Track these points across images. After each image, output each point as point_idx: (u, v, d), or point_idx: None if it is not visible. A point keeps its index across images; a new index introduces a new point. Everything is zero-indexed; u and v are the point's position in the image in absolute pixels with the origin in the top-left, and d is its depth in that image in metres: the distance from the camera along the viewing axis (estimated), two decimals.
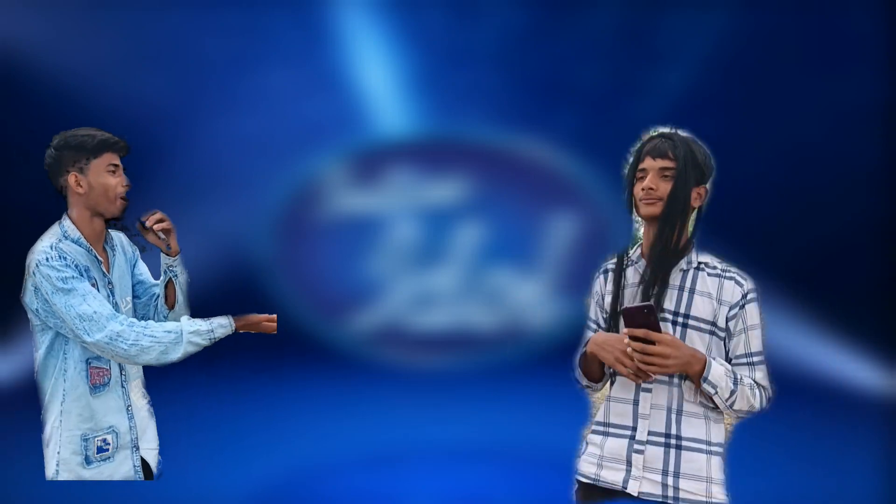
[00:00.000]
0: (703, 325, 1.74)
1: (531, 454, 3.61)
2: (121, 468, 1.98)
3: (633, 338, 1.65)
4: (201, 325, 1.93)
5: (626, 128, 4.89)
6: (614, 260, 1.92)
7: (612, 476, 1.77)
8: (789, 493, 3.05)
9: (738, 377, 1.70)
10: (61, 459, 1.92)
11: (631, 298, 1.80)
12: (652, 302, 1.70)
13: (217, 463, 3.27)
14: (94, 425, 1.94)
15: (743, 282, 1.78)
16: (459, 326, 4.89)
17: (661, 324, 1.70)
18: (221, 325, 1.96)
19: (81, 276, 1.88)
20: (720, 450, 1.76)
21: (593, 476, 1.83)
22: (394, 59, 4.80)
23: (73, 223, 1.95)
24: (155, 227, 2.01)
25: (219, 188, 4.67)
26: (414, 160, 4.93)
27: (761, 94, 4.39)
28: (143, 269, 2.18)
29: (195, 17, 4.41)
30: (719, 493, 1.75)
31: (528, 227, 4.99)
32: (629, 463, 1.74)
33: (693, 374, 1.68)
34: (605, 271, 1.93)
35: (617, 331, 1.80)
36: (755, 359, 1.75)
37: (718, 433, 1.76)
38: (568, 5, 4.63)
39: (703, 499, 1.71)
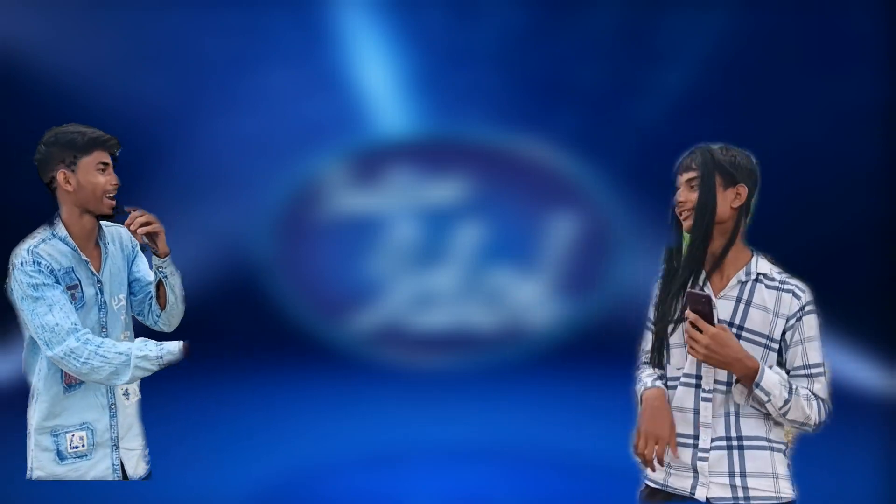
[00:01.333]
0: (757, 338, 1.75)
1: (531, 454, 3.61)
2: (97, 466, 1.95)
3: (691, 323, 1.69)
4: (151, 350, 1.89)
5: (626, 128, 4.94)
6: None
7: (680, 483, 1.79)
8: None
9: (794, 387, 1.71)
10: (35, 457, 1.92)
11: (685, 306, 1.83)
12: (711, 295, 1.71)
13: (217, 463, 3.27)
14: (65, 421, 1.92)
15: (801, 294, 1.78)
16: (459, 326, 4.89)
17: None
18: (170, 353, 1.89)
19: (56, 282, 1.86)
20: (782, 446, 1.78)
21: (661, 482, 1.83)
22: (394, 59, 4.80)
23: (63, 221, 1.94)
24: (139, 230, 1.97)
25: (219, 188, 4.67)
26: (414, 160, 4.93)
27: (761, 94, 4.39)
28: (141, 266, 2.16)
29: (195, 17, 4.41)
30: (786, 488, 1.75)
31: (528, 227, 4.99)
32: (695, 470, 1.77)
33: (743, 378, 1.70)
34: (659, 277, 1.94)
35: (664, 331, 1.81)
36: (813, 371, 1.77)
37: (778, 431, 1.77)
38: (568, 5, 4.63)
39: (773, 494, 1.73)
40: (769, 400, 1.69)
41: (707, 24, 4.46)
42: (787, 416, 1.71)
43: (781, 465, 1.77)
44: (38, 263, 1.89)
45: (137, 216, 1.97)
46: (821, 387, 1.75)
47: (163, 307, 2.12)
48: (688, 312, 1.68)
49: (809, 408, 1.71)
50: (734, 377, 1.75)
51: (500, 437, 3.76)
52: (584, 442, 3.64)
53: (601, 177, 4.86)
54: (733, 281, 1.80)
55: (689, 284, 1.80)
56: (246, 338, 4.51)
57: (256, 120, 4.65)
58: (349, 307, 4.86)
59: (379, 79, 4.80)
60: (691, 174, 1.79)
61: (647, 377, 1.88)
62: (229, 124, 4.62)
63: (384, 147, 4.95)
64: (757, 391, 1.69)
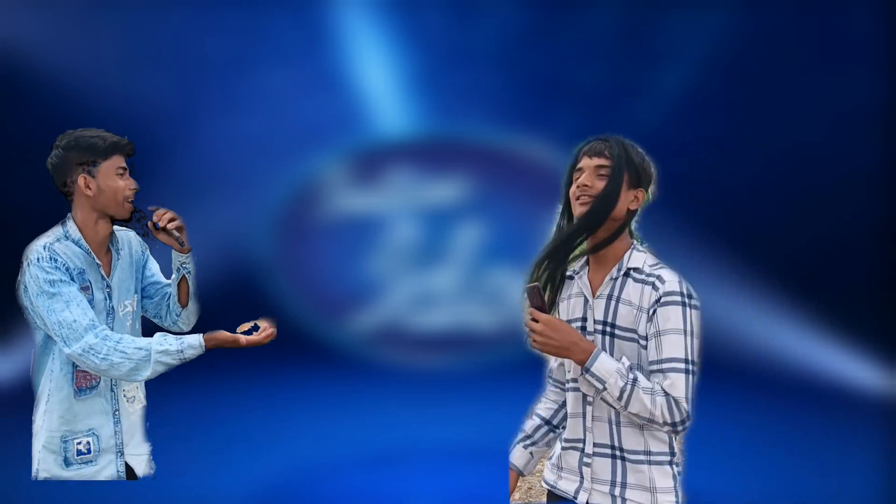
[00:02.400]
0: (627, 335, 1.70)
1: None
2: (103, 472, 1.95)
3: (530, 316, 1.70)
4: (171, 344, 1.89)
5: (626, 128, 4.91)
6: (577, 265, 1.89)
7: (567, 486, 1.80)
8: (789, 492, 3.05)
9: (634, 378, 1.62)
10: (41, 459, 1.92)
11: (567, 308, 1.83)
12: (539, 284, 1.71)
13: (217, 463, 3.27)
14: (74, 427, 1.92)
15: (660, 285, 1.67)
16: (459, 326, 4.89)
17: (593, 335, 1.75)
18: (191, 346, 1.91)
19: (71, 280, 1.87)
20: (664, 458, 1.71)
21: (552, 483, 1.86)
22: (394, 59, 4.80)
23: (77, 224, 1.93)
24: (168, 226, 1.99)
25: (219, 188, 4.66)
26: (414, 160, 4.93)
27: (761, 94, 4.39)
28: (154, 269, 2.16)
29: (195, 17, 4.41)
30: (666, 501, 1.69)
31: (528, 227, 4.98)
32: (581, 475, 1.77)
33: (577, 363, 1.67)
34: (569, 277, 1.92)
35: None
36: (665, 365, 1.63)
37: (657, 443, 1.72)
38: (568, 5, 4.63)
39: None
40: (604, 388, 1.62)
41: (707, 24, 4.46)
42: (629, 410, 1.63)
43: (663, 476, 1.71)
44: (55, 260, 1.90)
45: (163, 213, 1.99)
46: (672, 384, 1.62)
47: (184, 305, 2.13)
48: (527, 307, 1.69)
49: (653, 404, 1.60)
50: None
51: (500, 437, 3.75)
52: None
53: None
54: (606, 279, 1.78)
55: (542, 270, 1.77)
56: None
57: (256, 120, 4.65)
58: (349, 307, 4.86)
59: (379, 79, 4.80)
60: (603, 161, 1.76)
61: (520, 433, 2.03)
62: (229, 124, 4.62)
63: (384, 147, 4.95)
64: (588, 377, 1.64)
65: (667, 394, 1.62)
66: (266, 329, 2.00)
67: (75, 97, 4.15)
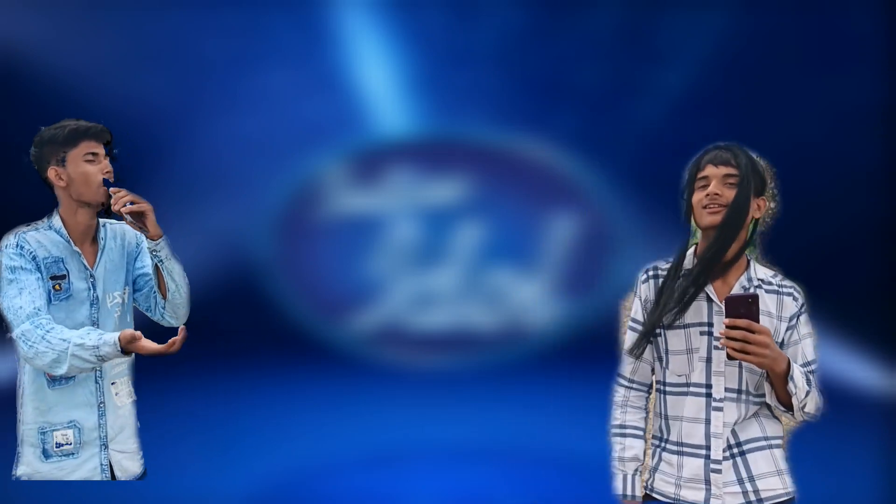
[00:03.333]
0: None
1: (531, 454, 3.61)
2: (84, 466, 1.94)
3: (734, 327, 1.63)
4: (89, 339, 1.81)
5: (626, 128, 4.94)
6: (665, 266, 1.86)
7: (693, 495, 1.78)
8: None
9: (811, 379, 1.73)
10: (22, 452, 1.92)
11: (692, 311, 1.78)
12: (756, 294, 1.69)
13: (217, 463, 3.27)
14: (52, 419, 1.92)
15: (798, 295, 1.82)
16: (459, 326, 4.89)
17: (720, 340, 1.73)
18: (107, 343, 1.81)
19: (37, 269, 1.88)
20: (780, 442, 1.80)
21: (672, 496, 1.82)
22: (394, 59, 4.79)
23: (60, 215, 1.96)
24: (123, 210, 1.95)
25: (219, 188, 4.66)
26: (414, 160, 4.93)
27: (761, 94, 4.39)
28: (147, 262, 2.16)
29: (195, 17, 4.41)
30: (790, 482, 1.79)
31: (528, 227, 4.99)
32: (707, 482, 1.76)
33: (780, 371, 1.68)
34: (654, 277, 1.87)
35: (654, 338, 1.79)
36: (812, 366, 1.79)
37: (774, 428, 1.79)
38: (568, 5, 4.63)
39: (783, 490, 1.75)
40: (796, 393, 1.69)
41: (707, 24, 4.46)
42: (805, 409, 1.72)
43: (782, 460, 1.80)
44: (21, 248, 1.91)
45: (120, 196, 1.95)
46: (817, 382, 1.79)
47: (164, 296, 2.11)
48: (733, 321, 1.62)
49: (820, 399, 1.76)
50: (744, 385, 1.74)
51: (500, 437, 3.76)
52: (584, 442, 3.63)
53: (601, 177, 4.85)
54: (736, 287, 1.79)
55: (701, 283, 1.78)
56: (245, 338, 4.51)
57: (256, 120, 4.65)
58: (349, 307, 4.85)
59: (379, 79, 4.80)
60: (731, 170, 1.77)
61: (629, 458, 1.86)
62: (229, 124, 4.62)
63: (384, 147, 4.95)
64: (790, 384, 1.68)
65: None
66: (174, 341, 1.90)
67: (75, 97, 4.14)
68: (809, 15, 4.23)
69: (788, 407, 1.71)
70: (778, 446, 1.79)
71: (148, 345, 1.86)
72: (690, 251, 1.83)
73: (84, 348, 1.81)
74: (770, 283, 1.79)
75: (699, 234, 1.86)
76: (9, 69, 4.14)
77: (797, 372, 1.68)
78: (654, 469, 1.87)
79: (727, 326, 1.62)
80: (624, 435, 1.90)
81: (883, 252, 4.08)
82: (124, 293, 2.08)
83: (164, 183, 4.33)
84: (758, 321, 1.61)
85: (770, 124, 4.34)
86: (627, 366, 1.92)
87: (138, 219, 1.97)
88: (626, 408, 1.92)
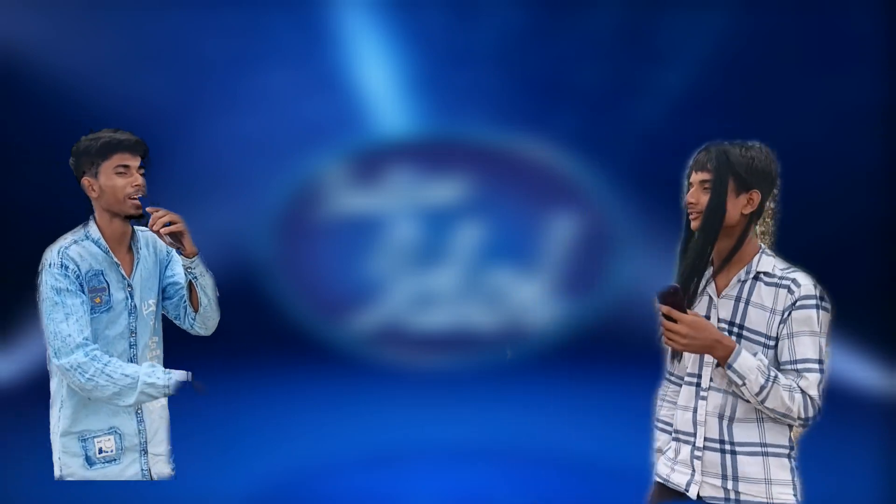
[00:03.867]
0: (756, 337, 1.75)
1: (531, 454, 3.62)
2: (127, 471, 1.96)
3: (664, 315, 1.69)
4: (159, 378, 1.90)
5: (626, 128, 4.94)
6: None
7: (679, 479, 1.84)
8: None
9: (774, 375, 1.69)
10: (63, 461, 1.93)
11: (693, 306, 1.82)
12: (678, 284, 1.73)
13: (217, 463, 3.27)
14: (91, 426, 1.93)
15: (796, 288, 1.76)
16: (459, 326, 4.89)
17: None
18: (178, 384, 1.93)
19: (80, 290, 1.90)
20: (781, 451, 1.76)
21: (664, 477, 1.89)
22: (394, 59, 4.80)
23: (97, 224, 1.98)
24: (162, 231, 1.98)
25: (219, 188, 4.66)
26: (414, 160, 4.93)
27: (761, 94, 4.39)
28: (177, 269, 2.15)
29: (195, 17, 4.41)
30: (783, 493, 1.74)
31: (528, 227, 4.99)
32: (692, 467, 1.80)
33: (722, 360, 1.70)
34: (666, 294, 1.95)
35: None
36: (800, 365, 1.73)
37: (776, 435, 1.76)
38: (568, 5, 4.63)
39: (765, 499, 1.74)
40: (743, 384, 1.69)
41: (707, 24, 4.46)
42: (766, 404, 1.69)
43: (780, 469, 1.76)
44: (66, 267, 1.92)
45: (159, 216, 1.97)
46: (808, 383, 1.72)
47: (196, 309, 2.12)
48: (660, 307, 1.69)
49: (791, 400, 1.69)
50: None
51: (500, 437, 3.76)
52: (584, 442, 3.64)
53: (601, 177, 4.85)
54: (733, 280, 1.80)
55: (691, 286, 1.80)
56: (246, 338, 4.51)
57: (256, 120, 4.65)
58: (349, 307, 4.86)
59: (379, 79, 4.80)
60: (705, 175, 1.78)
61: (656, 449, 1.94)
62: (229, 124, 4.62)
63: (384, 147, 4.95)
64: (729, 373, 1.69)
65: (803, 392, 1.71)
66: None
67: (75, 97, 4.15)
68: (809, 15, 4.23)
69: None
70: (777, 455, 1.75)
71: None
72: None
73: (154, 387, 1.90)
74: (771, 276, 1.77)
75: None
76: (9, 69, 4.14)
77: (747, 363, 1.67)
78: (662, 452, 1.93)
79: (661, 314, 1.69)
80: (657, 428, 1.98)
81: (883, 252, 4.08)
82: (157, 300, 2.09)
83: (164, 183, 4.33)
84: (681, 311, 1.67)
85: (770, 124, 4.33)
86: (667, 358, 1.97)
87: (176, 239, 1.99)
88: (662, 401, 1.99)
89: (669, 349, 1.87)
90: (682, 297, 1.70)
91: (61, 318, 1.88)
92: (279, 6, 4.56)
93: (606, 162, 4.77)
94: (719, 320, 1.79)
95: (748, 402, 1.74)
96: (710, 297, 1.82)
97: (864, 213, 4.23)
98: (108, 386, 1.87)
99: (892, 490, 3.11)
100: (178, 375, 1.94)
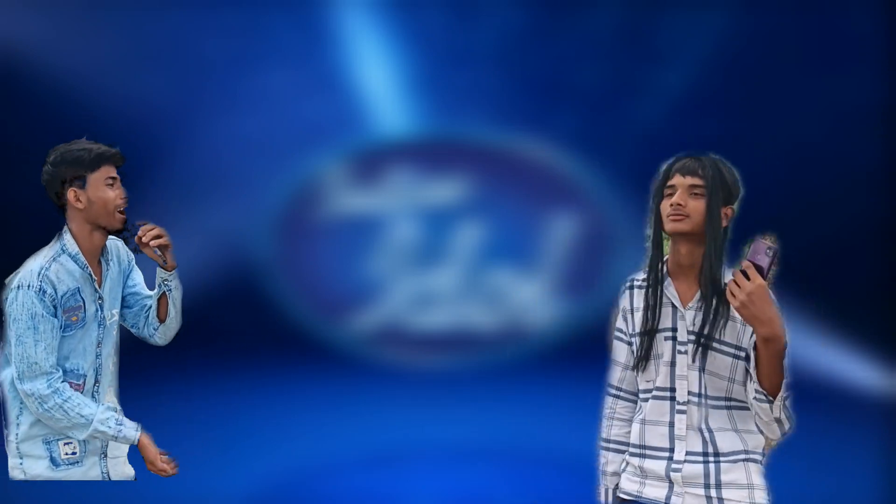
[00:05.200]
0: (726, 349, 1.74)
1: (531, 454, 3.61)
2: (89, 474, 1.97)
3: (742, 270, 1.61)
4: (110, 427, 1.94)
5: (626, 128, 4.94)
6: (642, 276, 1.89)
7: (655, 493, 1.79)
8: (789, 492, 3.05)
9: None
10: (26, 466, 1.93)
11: (659, 317, 1.79)
12: (776, 247, 1.63)
13: (217, 463, 3.27)
14: (57, 429, 1.94)
15: None
16: (459, 326, 4.89)
17: (686, 345, 1.75)
18: (126, 438, 1.97)
19: (54, 315, 1.90)
20: (758, 457, 1.77)
21: (636, 493, 1.82)
22: (394, 59, 4.80)
23: (73, 237, 1.94)
24: (151, 243, 1.97)
25: (219, 188, 4.67)
26: (414, 160, 4.93)
27: (761, 94, 4.39)
28: (137, 279, 2.15)
29: (195, 17, 4.41)
30: (761, 497, 1.74)
31: (528, 227, 4.99)
32: (669, 480, 1.77)
33: (769, 339, 1.62)
34: (632, 287, 1.90)
35: (649, 348, 1.80)
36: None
37: (755, 443, 1.77)
38: (568, 5, 4.63)
39: (748, 503, 1.73)
40: (784, 377, 1.63)
41: (707, 24, 4.46)
42: (787, 402, 1.67)
43: (757, 474, 1.77)
44: (44, 292, 1.91)
45: (149, 229, 1.97)
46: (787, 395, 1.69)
47: (162, 320, 2.12)
48: (744, 261, 1.62)
49: (790, 416, 1.69)
50: (704, 389, 1.74)
51: (500, 437, 3.76)
52: (584, 442, 3.63)
53: (601, 177, 4.85)
54: (699, 292, 1.79)
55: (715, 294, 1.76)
56: (246, 338, 4.51)
57: (256, 120, 4.65)
58: (349, 307, 4.86)
59: (379, 79, 4.80)
60: (696, 181, 1.78)
61: (610, 472, 1.88)
62: (229, 124, 4.62)
63: (384, 147, 4.95)
64: (779, 359, 1.62)
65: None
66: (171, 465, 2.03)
67: (75, 97, 4.15)
68: (809, 15, 4.23)
69: (770, 393, 1.67)
70: (756, 461, 1.76)
71: (158, 464, 2.01)
72: (667, 258, 1.85)
73: (104, 434, 1.94)
74: None
75: (668, 243, 1.87)
76: (9, 69, 4.14)
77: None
78: (623, 470, 1.89)
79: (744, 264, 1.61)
80: (608, 449, 1.92)
81: (883, 252, 4.09)
82: (119, 310, 2.08)
83: (164, 183, 4.34)
84: (762, 274, 1.59)
85: (770, 124, 4.34)
86: (615, 374, 1.93)
87: (163, 252, 1.99)
88: (612, 420, 1.93)
89: (635, 354, 1.84)
90: (773, 262, 1.62)
91: (31, 342, 1.88)
92: (279, 6, 4.56)
93: (606, 162, 4.77)
94: (688, 332, 1.78)
95: (746, 409, 1.72)
96: (675, 307, 1.81)
97: (864, 213, 4.23)
98: (63, 420, 1.91)
99: (892, 490, 3.11)
100: (129, 432, 1.97)
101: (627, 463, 1.87)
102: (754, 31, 4.34)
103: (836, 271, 4.22)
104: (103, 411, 1.95)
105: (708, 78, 4.46)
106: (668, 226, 1.79)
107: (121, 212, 1.96)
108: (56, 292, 1.91)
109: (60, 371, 1.93)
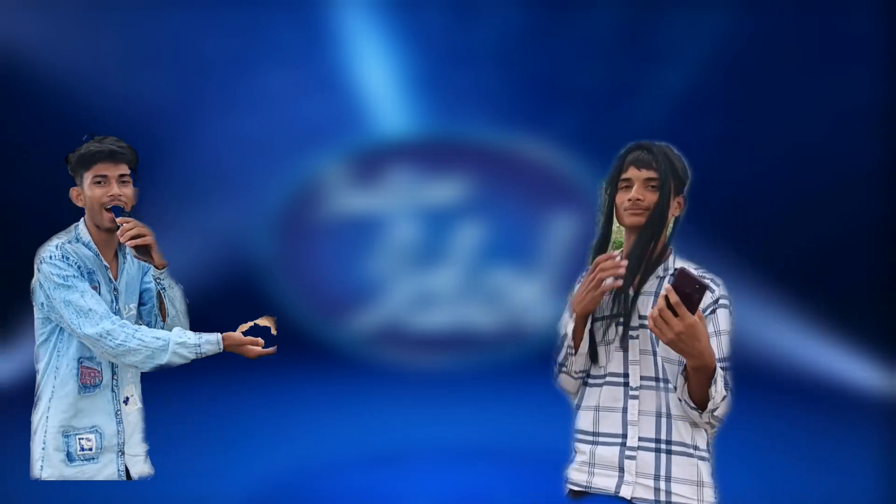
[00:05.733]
0: None
1: (531, 454, 3.61)
2: (104, 471, 1.97)
3: (667, 303, 1.57)
4: (189, 338, 1.94)
5: (626, 128, 4.93)
6: None
7: (604, 482, 1.77)
8: (789, 492, 3.05)
9: (727, 382, 1.65)
10: (45, 455, 1.94)
11: (606, 303, 1.79)
12: (702, 280, 1.62)
13: (217, 463, 3.27)
14: (77, 423, 1.94)
15: (715, 288, 1.73)
16: (459, 326, 4.89)
17: (637, 330, 1.74)
18: (209, 342, 1.97)
19: (82, 276, 1.92)
20: (706, 454, 1.75)
21: (584, 483, 1.82)
22: (394, 59, 4.80)
23: (87, 227, 2.00)
24: (129, 243, 1.94)
25: (219, 188, 4.67)
26: (414, 160, 4.93)
27: (761, 94, 4.39)
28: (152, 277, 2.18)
29: (195, 17, 4.41)
30: (710, 495, 1.72)
31: (528, 227, 4.99)
32: (621, 469, 1.75)
33: (697, 366, 1.62)
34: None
35: (604, 335, 1.80)
36: (724, 364, 1.69)
37: (702, 438, 1.75)
38: (568, 5, 4.63)
39: (695, 500, 1.71)
40: (713, 396, 1.63)
41: (707, 24, 4.46)
42: (716, 413, 1.66)
43: (706, 473, 1.75)
44: (67, 258, 1.95)
45: (128, 228, 1.95)
46: (726, 382, 1.69)
47: (164, 319, 2.13)
48: (667, 288, 1.57)
49: (728, 404, 1.67)
50: (660, 373, 1.74)
51: (500, 437, 3.76)
52: None
53: (601, 177, 4.85)
54: (651, 277, 1.79)
55: (634, 284, 1.77)
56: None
57: (256, 120, 4.65)
58: (349, 307, 4.86)
59: (379, 79, 4.80)
60: (651, 174, 1.78)
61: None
62: (229, 124, 4.62)
63: (384, 147, 4.95)
64: (712, 388, 1.62)
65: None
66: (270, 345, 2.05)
67: (75, 97, 4.15)
68: (809, 15, 4.23)
69: (698, 405, 1.67)
70: (704, 459, 1.74)
71: (253, 349, 2.09)
72: (618, 252, 1.85)
73: (185, 346, 1.93)
74: None
75: (622, 232, 1.87)
76: (9, 69, 4.14)
77: (721, 376, 1.63)
78: (570, 462, 1.88)
79: (667, 295, 1.57)
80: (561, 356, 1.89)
81: (883, 252, 4.09)
82: (136, 305, 2.11)
83: (164, 183, 4.34)
84: (693, 311, 1.56)
85: (770, 124, 4.34)
86: (565, 354, 1.92)
87: (144, 252, 1.99)
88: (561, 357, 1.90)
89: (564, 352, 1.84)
90: (701, 297, 1.58)
91: (77, 296, 1.91)
92: (279, 6, 4.56)
93: (606, 162, 4.76)
94: (640, 317, 1.77)
95: (694, 409, 1.68)
96: (627, 295, 1.79)
97: (864, 213, 4.23)
98: (140, 349, 1.91)
99: (892, 490, 3.11)
100: (210, 336, 1.99)
101: (576, 453, 1.86)
102: (754, 31, 4.34)
103: (836, 271, 4.22)
104: (177, 331, 1.98)
105: (708, 78, 4.46)
106: (627, 220, 1.79)
107: (108, 209, 1.97)
108: (79, 262, 1.95)
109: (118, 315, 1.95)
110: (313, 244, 4.99)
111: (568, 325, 1.77)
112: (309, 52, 4.68)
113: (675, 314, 1.57)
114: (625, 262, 1.73)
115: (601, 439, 1.81)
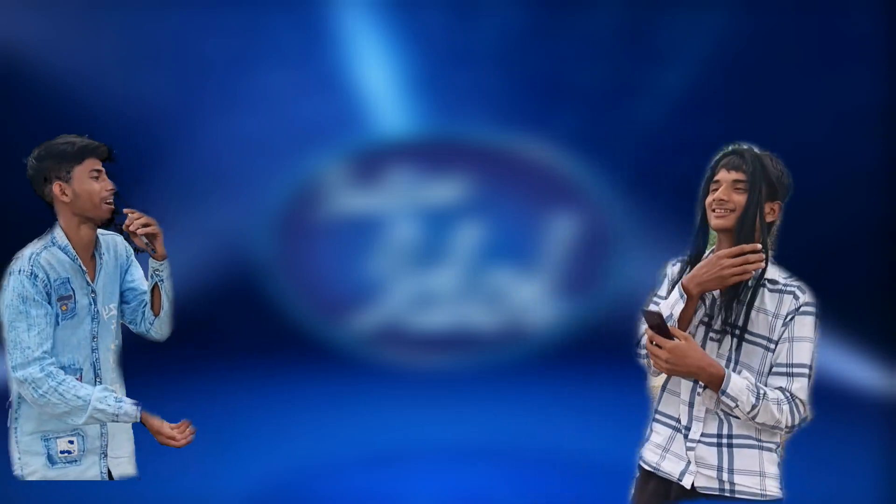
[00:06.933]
0: (759, 340, 1.78)
1: (531, 454, 3.61)
2: (87, 473, 1.96)
3: (649, 339, 1.72)
4: (109, 405, 1.91)
5: (626, 128, 4.93)
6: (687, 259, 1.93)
7: (671, 467, 1.84)
8: (789, 492, 3.04)
9: (763, 392, 1.72)
10: (24, 461, 1.93)
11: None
12: (659, 311, 1.73)
13: (217, 463, 3.26)
14: (55, 426, 1.93)
15: (800, 294, 1.80)
16: (459, 326, 4.89)
17: (720, 334, 1.79)
18: (127, 414, 1.93)
19: (46, 301, 1.91)
20: (772, 446, 1.81)
21: (654, 465, 1.89)
22: (394, 59, 4.80)
23: (63, 231, 1.97)
24: (139, 231, 1.97)
25: (219, 188, 4.67)
26: (414, 160, 4.93)
27: (761, 94, 4.39)
28: (136, 275, 2.16)
29: (195, 17, 4.41)
30: (773, 487, 1.79)
31: (528, 227, 4.99)
32: (686, 458, 1.82)
33: (710, 385, 1.73)
34: (682, 261, 1.94)
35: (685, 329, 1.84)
36: (795, 370, 1.75)
37: (769, 433, 1.80)
38: (568, 5, 4.63)
39: (758, 491, 1.78)
40: (736, 405, 1.71)
41: (707, 24, 4.46)
42: (756, 420, 1.73)
43: (771, 464, 1.81)
44: (35, 276, 1.92)
45: (136, 217, 1.98)
46: (799, 387, 1.75)
47: (157, 314, 2.12)
48: (647, 329, 1.71)
49: (780, 412, 1.73)
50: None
51: (500, 437, 3.76)
52: (584, 442, 3.63)
53: (601, 177, 4.86)
54: (743, 284, 1.81)
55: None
56: (246, 338, 4.51)
57: (256, 120, 4.65)
58: (349, 307, 4.86)
59: (379, 79, 4.80)
60: (739, 176, 1.82)
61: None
62: (229, 124, 4.62)
63: (384, 147, 4.95)
64: (724, 398, 1.71)
65: (792, 398, 1.74)
66: (187, 430, 2.03)
67: (75, 97, 4.15)
68: (809, 15, 4.23)
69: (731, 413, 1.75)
70: (770, 449, 1.80)
71: (164, 440, 2.00)
72: (709, 251, 1.88)
73: (104, 413, 1.91)
74: (776, 283, 1.81)
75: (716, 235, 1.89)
76: (9, 69, 4.14)
77: (738, 386, 1.70)
78: (647, 440, 1.93)
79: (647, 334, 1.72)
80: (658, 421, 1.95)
81: (883, 252, 4.08)
82: (117, 305, 2.09)
83: (164, 183, 4.34)
84: (668, 337, 1.69)
85: (770, 124, 4.33)
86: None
87: (151, 241, 1.99)
88: (648, 434, 1.97)
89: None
90: (664, 322, 1.71)
91: (23, 328, 1.88)
92: (279, 6, 4.56)
93: (606, 162, 4.77)
94: (723, 323, 1.80)
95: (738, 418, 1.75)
96: (714, 299, 1.83)
97: (864, 213, 4.23)
98: (59, 404, 1.89)
99: (892, 490, 3.11)
100: (129, 408, 1.93)
101: (652, 431, 1.92)
102: (754, 31, 4.34)
103: (836, 271, 4.20)
104: (100, 391, 1.94)
105: (708, 78, 4.46)
106: (713, 221, 1.84)
107: (108, 203, 1.97)
108: (48, 277, 1.92)
109: (53, 357, 1.92)
110: (313, 244, 4.99)
111: (676, 306, 1.79)
112: (309, 52, 4.67)
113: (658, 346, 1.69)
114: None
115: (669, 422, 1.87)
